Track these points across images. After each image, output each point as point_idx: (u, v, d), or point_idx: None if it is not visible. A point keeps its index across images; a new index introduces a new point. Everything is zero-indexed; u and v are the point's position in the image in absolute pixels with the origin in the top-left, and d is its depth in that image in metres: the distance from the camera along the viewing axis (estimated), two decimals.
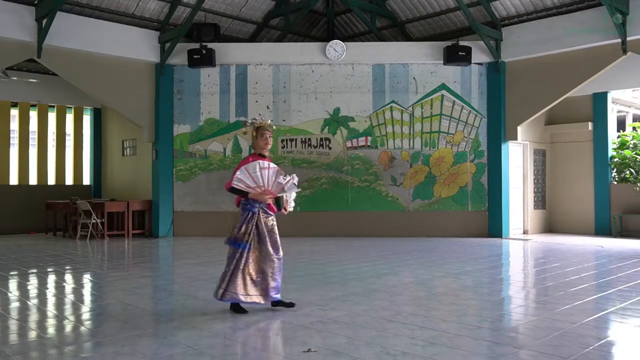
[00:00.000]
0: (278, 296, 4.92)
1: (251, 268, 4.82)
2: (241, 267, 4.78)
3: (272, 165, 4.86)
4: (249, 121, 5.07)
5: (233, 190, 4.80)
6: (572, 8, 10.75)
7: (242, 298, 4.77)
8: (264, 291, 4.85)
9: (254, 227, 4.83)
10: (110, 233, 11.91)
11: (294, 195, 5.09)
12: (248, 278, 4.80)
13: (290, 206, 5.11)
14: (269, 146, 5.02)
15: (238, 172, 4.79)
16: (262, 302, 4.86)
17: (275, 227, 4.97)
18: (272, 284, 4.86)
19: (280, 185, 4.85)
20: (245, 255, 4.79)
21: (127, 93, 11.74)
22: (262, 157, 4.93)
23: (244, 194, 4.81)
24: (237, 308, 4.86)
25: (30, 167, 13.68)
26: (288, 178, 4.86)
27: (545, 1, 10.90)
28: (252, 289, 4.80)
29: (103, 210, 11.51)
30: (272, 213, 4.95)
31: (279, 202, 4.99)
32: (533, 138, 12.64)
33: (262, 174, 4.78)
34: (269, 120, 5.23)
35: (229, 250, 4.86)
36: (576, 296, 5.52)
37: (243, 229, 4.81)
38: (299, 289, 5.92)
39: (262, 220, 4.85)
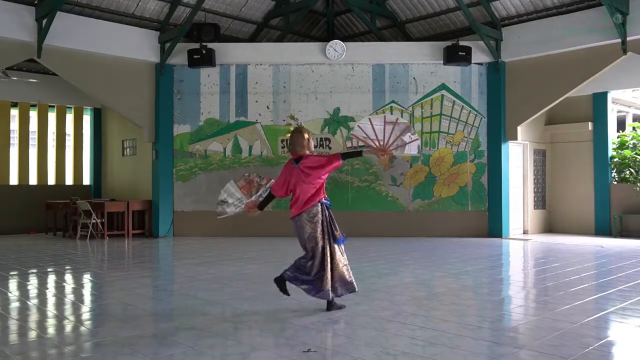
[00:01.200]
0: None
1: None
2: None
3: (401, 120, 4.54)
4: (300, 122, 5.07)
5: (345, 156, 4.70)
6: (572, 8, 10.75)
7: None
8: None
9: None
10: (110, 233, 11.91)
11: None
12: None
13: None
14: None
15: (360, 122, 4.60)
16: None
17: None
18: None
19: (403, 142, 4.43)
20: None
21: (127, 93, 11.74)
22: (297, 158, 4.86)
23: (357, 154, 4.70)
24: (282, 286, 4.91)
25: (30, 167, 13.67)
26: (415, 137, 4.45)
27: (545, 1, 10.90)
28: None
29: (103, 210, 11.51)
30: None
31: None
32: (533, 138, 12.63)
33: (386, 128, 4.48)
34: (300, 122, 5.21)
35: (334, 248, 4.83)
36: (576, 296, 5.52)
37: (336, 224, 4.87)
38: (299, 289, 5.90)
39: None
